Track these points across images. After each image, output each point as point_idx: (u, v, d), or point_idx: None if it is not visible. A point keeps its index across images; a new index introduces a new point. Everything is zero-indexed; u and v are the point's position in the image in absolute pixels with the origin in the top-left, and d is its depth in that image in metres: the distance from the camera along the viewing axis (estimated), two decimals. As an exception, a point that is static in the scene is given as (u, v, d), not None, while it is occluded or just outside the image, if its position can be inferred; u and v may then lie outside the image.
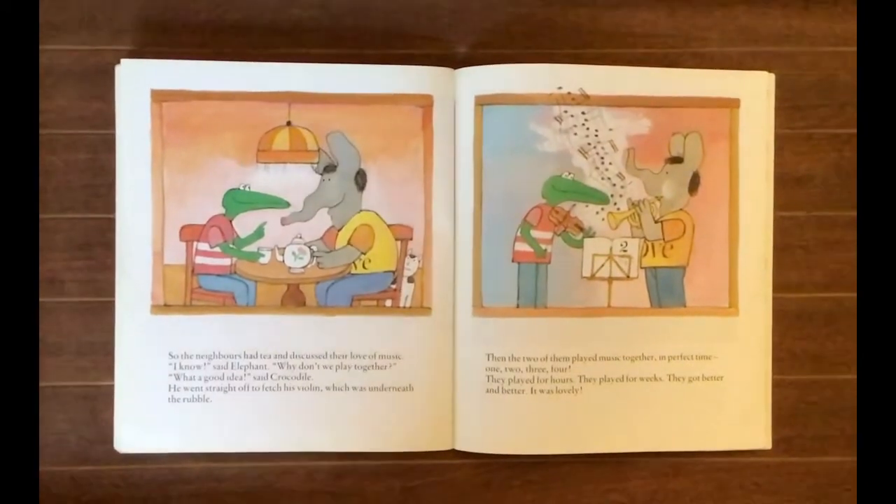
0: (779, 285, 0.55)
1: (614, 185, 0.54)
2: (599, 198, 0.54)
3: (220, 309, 0.54)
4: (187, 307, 0.53)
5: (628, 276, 0.54)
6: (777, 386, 0.55)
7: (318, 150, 0.54)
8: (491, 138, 0.54)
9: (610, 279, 0.54)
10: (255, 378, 0.53)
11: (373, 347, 0.54)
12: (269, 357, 0.53)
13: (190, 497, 0.54)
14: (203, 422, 0.53)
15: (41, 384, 0.54)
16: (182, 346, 0.53)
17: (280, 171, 0.54)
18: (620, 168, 0.54)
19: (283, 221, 0.54)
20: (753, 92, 0.55)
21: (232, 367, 0.53)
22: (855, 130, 0.56)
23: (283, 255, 0.54)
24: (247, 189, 0.54)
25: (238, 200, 0.54)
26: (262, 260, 0.54)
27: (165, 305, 0.53)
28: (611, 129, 0.54)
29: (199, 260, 0.54)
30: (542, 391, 0.54)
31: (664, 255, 0.55)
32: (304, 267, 0.54)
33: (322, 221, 0.54)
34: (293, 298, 0.54)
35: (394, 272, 0.54)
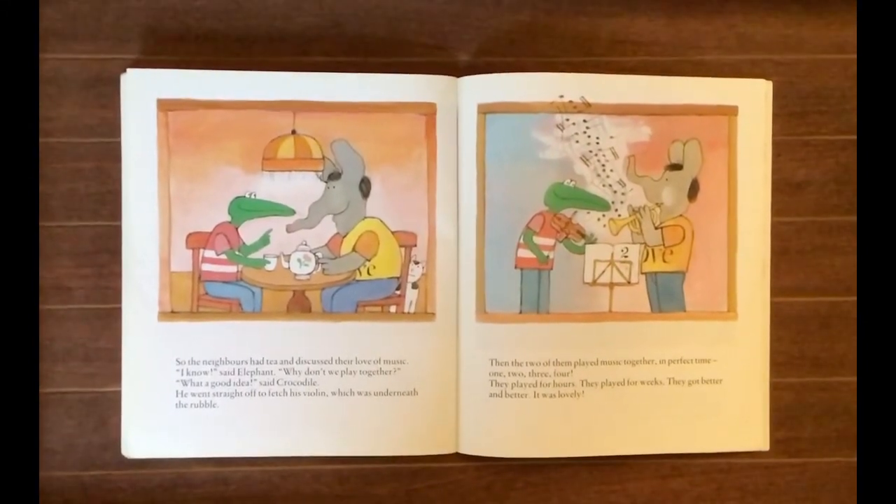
0: (776, 290, 0.56)
1: (615, 191, 0.55)
2: (601, 204, 0.55)
3: (226, 315, 0.54)
4: (194, 314, 0.54)
5: (629, 282, 0.55)
6: (774, 388, 0.56)
7: (323, 157, 0.54)
8: (493, 146, 0.54)
9: (611, 285, 0.55)
10: (261, 384, 0.54)
11: (378, 353, 0.54)
12: (276, 363, 0.54)
13: (197, 501, 0.55)
14: (210, 427, 0.54)
15: (49, 390, 0.55)
16: (189, 353, 0.54)
17: (285, 178, 0.54)
18: (621, 175, 0.55)
19: (289, 229, 0.54)
20: (751, 99, 0.56)
21: (238, 373, 0.54)
22: (850, 137, 0.57)
23: (288, 261, 0.54)
24: (252, 197, 0.54)
25: (244, 208, 0.54)
26: (267, 267, 0.54)
27: (172, 312, 0.54)
28: (612, 137, 0.55)
29: (205, 267, 0.54)
30: (544, 395, 0.54)
31: (664, 261, 0.55)
32: (309, 273, 0.54)
33: (327, 228, 0.55)
34: (299, 305, 0.54)
35: (398, 278, 0.55)
